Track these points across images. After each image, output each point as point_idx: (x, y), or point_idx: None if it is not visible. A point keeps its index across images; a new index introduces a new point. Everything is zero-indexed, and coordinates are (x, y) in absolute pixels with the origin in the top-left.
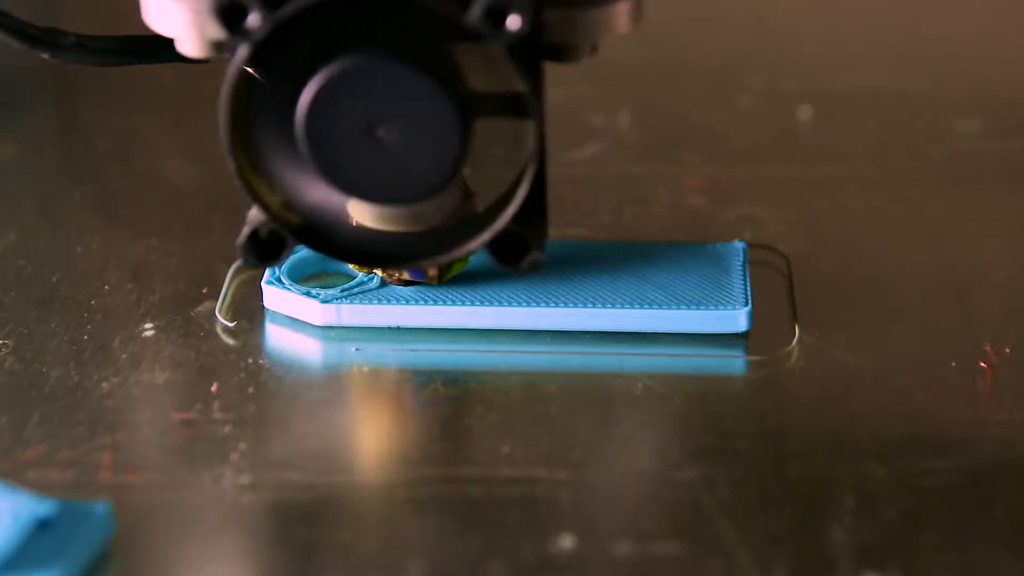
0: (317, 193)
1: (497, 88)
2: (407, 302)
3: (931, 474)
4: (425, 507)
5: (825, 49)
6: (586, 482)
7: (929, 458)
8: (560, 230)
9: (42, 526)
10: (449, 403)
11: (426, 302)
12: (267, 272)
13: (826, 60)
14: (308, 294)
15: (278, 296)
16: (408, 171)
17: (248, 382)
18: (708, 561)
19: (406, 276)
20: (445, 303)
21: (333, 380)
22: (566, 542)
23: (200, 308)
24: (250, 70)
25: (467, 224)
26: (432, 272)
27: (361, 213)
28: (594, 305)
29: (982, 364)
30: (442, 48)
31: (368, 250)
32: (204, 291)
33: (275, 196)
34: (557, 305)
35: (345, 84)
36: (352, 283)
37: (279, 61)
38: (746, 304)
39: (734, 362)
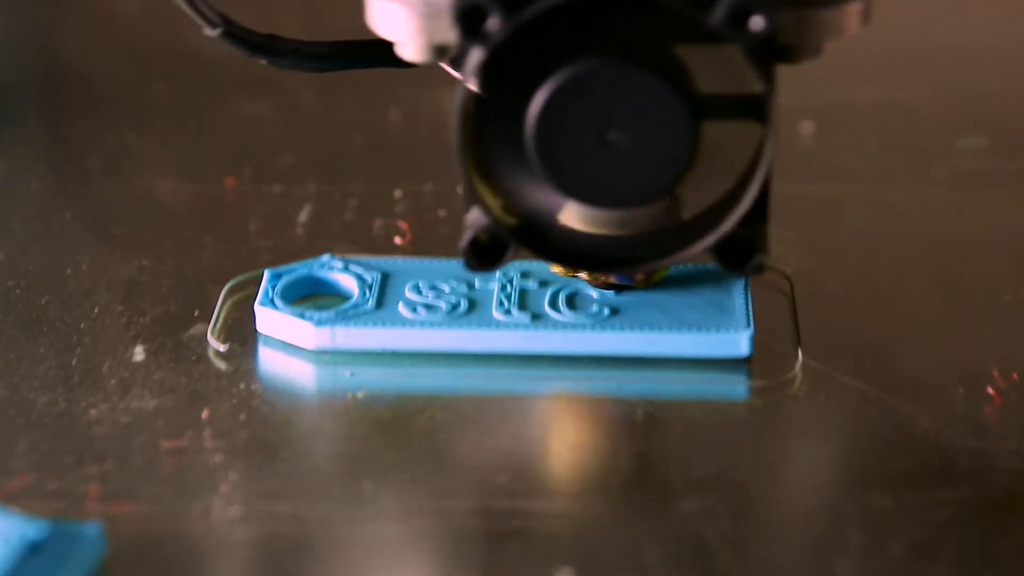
0: (536, 196)
1: (725, 90)
2: (403, 325)
3: (939, 506)
4: (420, 540)
5: (827, 63)
6: (585, 514)
7: (937, 489)
8: None
9: (33, 549)
10: (445, 430)
11: (422, 325)
12: (260, 294)
13: (828, 75)
14: (302, 316)
15: (271, 318)
16: (637, 174)
17: (240, 408)
18: None
19: (612, 279)
20: (441, 326)
21: (327, 407)
22: None
23: (192, 331)
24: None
25: (682, 228)
26: (639, 276)
27: (569, 216)
28: (592, 328)
29: (990, 390)
30: (671, 50)
31: (583, 252)
32: (196, 313)
33: (496, 199)
34: (555, 328)
35: (578, 88)
36: (347, 305)
37: (508, 65)
38: (748, 327)
39: (736, 387)
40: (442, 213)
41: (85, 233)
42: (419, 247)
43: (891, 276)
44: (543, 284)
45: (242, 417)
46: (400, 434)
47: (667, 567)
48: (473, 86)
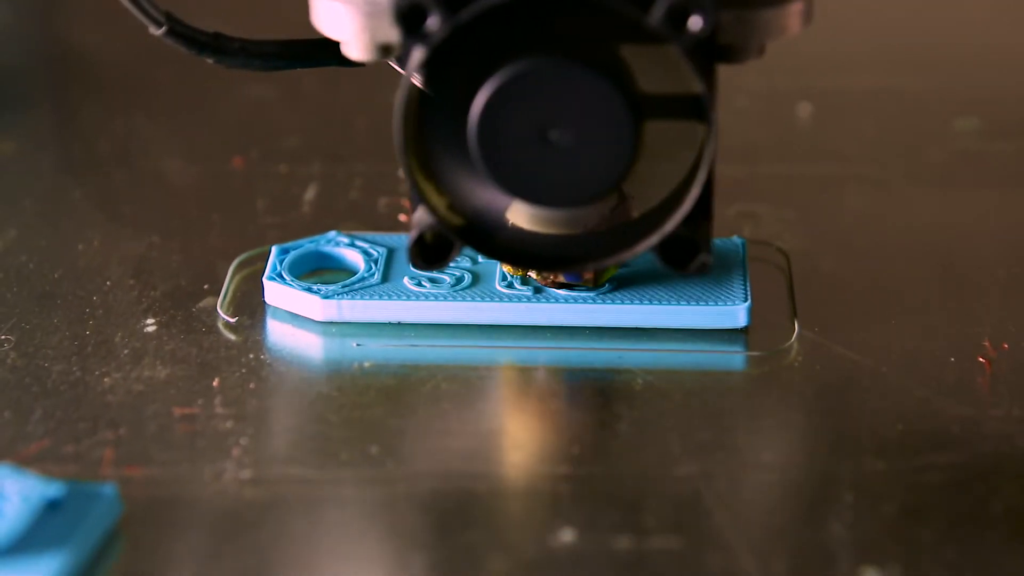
0: (481, 195)
1: (667, 90)
2: (408, 297)
3: (930, 469)
4: (426, 501)
5: (824, 47)
6: (586, 477)
7: (928, 454)
8: None
9: (51, 507)
10: (450, 398)
11: (427, 297)
12: (268, 268)
13: (825, 58)
14: (309, 290)
15: (279, 292)
16: (579, 173)
17: (249, 377)
18: (707, 556)
19: (561, 279)
20: (446, 298)
21: (334, 376)
22: (566, 536)
23: (201, 304)
24: (413, 76)
25: (629, 227)
26: (588, 275)
27: (517, 215)
28: (594, 301)
29: (981, 360)
30: (613, 50)
31: (529, 252)
32: (205, 287)
33: (441, 198)
34: (557, 301)
35: (519, 87)
36: (353, 279)
37: (450, 64)
38: (746, 300)
39: (734, 358)
40: None
41: (95, 211)
42: None
43: (886, 253)
44: None
45: (251, 386)
46: (405, 402)
47: (666, 528)
48: (416, 84)
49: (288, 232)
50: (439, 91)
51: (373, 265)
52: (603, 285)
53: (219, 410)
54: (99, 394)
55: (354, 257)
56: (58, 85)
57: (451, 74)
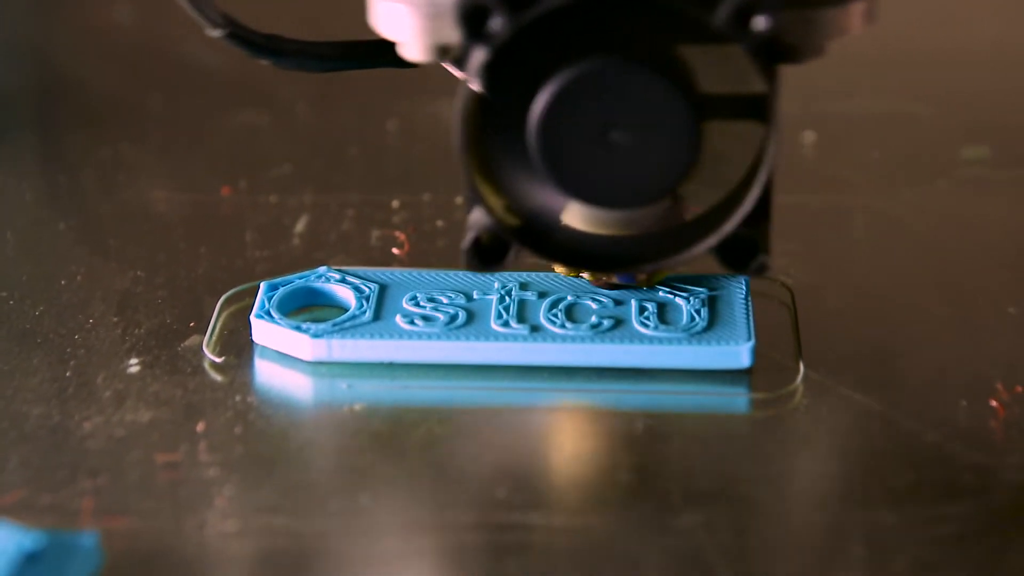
0: (537, 196)
1: (728, 90)
2: (400, 336)
3: (943, 521)
4: (418, 555)
5: (828, 73)
6: (584, 528)
7: (940, 504)
8: None
9: (29, 560)
10: (442, 442)
11: (420, 336)
12: (256, 306)
13: (829, 85)
14: (298, 328)
15: (267, 330)
16: (638, 174)
17: (236, 421)
18: None
19: (614, 279)
20: (440, 337)
21: (324, 419)
22: None
23: (187, 343)
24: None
25: (684, 228)
26: (642, 276)
27: (571, 216)
28: (592, 340)
29: (994, 403)
30: (674, 50)
31: (585, 252)
32: (191, 325)
33: (498, 199)
34: (554, 340)
35: (581, 88)
36: (344, 317)
37: (511, 65)
38: (749, 339)
39: (737, 400)
40: (440, 224)
41: (79, 244)
42: (417, 258)
43: (894, 287)
44: (542, 295)
45: (238, 430)
46: (397, 447)
47: None
48: (476, 86)
49: (277, 266)
50: (499, 92)
51: (364, 302)
52: (655, 285)
53: (203, 456)
54: (79, 440)
55: (345, 294)
56: (42, 113)
57: (511, 75)
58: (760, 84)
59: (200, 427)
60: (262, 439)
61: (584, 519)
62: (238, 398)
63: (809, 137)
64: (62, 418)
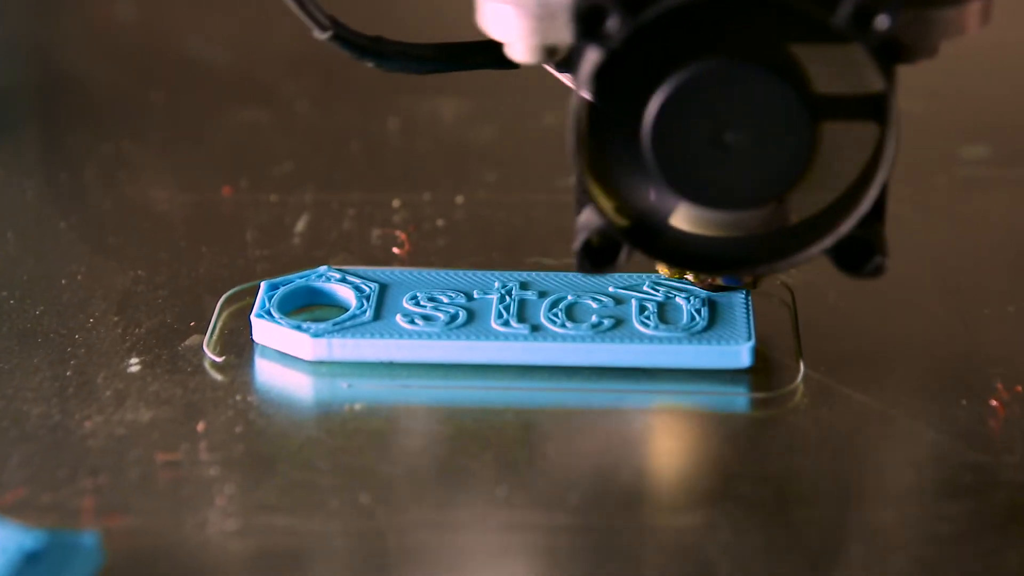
0: (647, 197)
1: (844, 90)
2: (400, 336)
3: (942, 520)
4: (418, 553)
5: None
6: (584, 528)
7: (940, 503)
8: (559, 259)
9: (30, 559)
10: (443, 442)
11: (420, 336)
12: (256, 305)
13: None
14: (299, 328)
15: (268, 330)
16: (754, 176)
17: (236, 420)
18: None
19: (719, 281)
20: (440, 337)
21: (324, 419)
22: None
23: (187, 342)
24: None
25: (791, 230)
26: (748, 278)
27: (678, 217)
28: (592, 340)
29: (993, 402)
30: (788, 50)
31: (693, 254)
32: (192, 324)
33: (608, 201)
34: (555, 340)
35: (695, 90)
36: (344, 316)
37: (624, 66)
38: (749, 339)
39: (737, 399)
40: (440, 223)
41: (80, 243)
42: (417, 257)
43: (893, 287)
44: (542, 295)
45: (238, 429)
46: (398, 446)
47: None
48: (585, 87)
49: (278, 264)
50: (611, 93)
51: (365, 302)
52: (758, 286)
53: (204, 456)
54: (80, 439)
55: (345, 293)
56: (43, 111)
57: (624, 76)
58: (877, 84)
59: (201, 426)
60: (262, 438)
61: (584, 518)
62: (238, 397)
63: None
64: (63, 417)
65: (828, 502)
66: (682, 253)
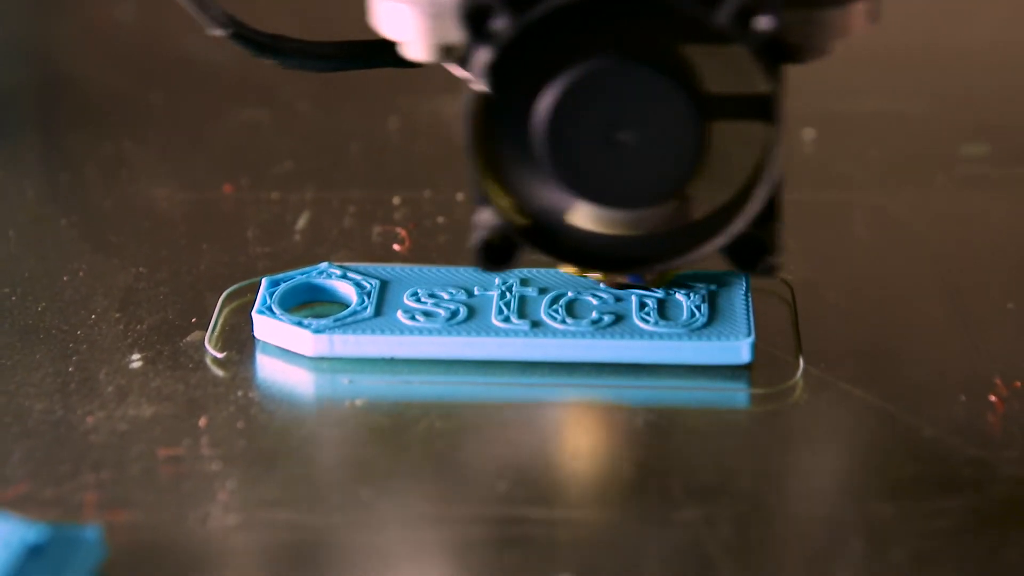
0: (544, 196)
1: (733, 90)
2: (401, 332)
3: (941, 514)
4: (419, 548)
5: (828, 72)
6: (585, 522)
7: (939, 498)
8: None
9: (33, 553)
10: (444, 438)
11: (421, 332)
12: (258, 301)
13: (829, 83)
14: (300, 324)
15: (269, 326)
16: (645, 174)
17: (238, 416)
18: None
19: (624, 279)
20: (441, 333)
21: (325, 414)
22: None
23: (189, 338)
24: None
25: (692, 228)
26: (651, 276)
27: (579, 216)
28: (593, 336)
29: (992, 398)
30: (679, 50)
31: (594, 252)
32: (193, 320)
33: (506, 199)
34: (555, 336)
35: (586, 88)
36: (345, 312)
37: (515, 65)
38: (749, 335)
39: (737, 395)
40: (441, 220)
41: (81, 241)
42: (418, 254)
43: (893, 284)
44: (542, 291)
45: (240, 425)
46: (398, 442)
47: None
48: (480, 86)
49: (279, 262)
50: (504, 92)
51: (366, 298)
52: (666, 284)
53: (205, 451)
54: (82, 434)
55: (346, 289)
56: (44, 110)
57: (516, 75)
58: (765, 84)
59: (202, 422)
60: (264, 434)
61: (585, 513)
62: (240, 393)
63: (809, 134)
64: (65, 413)
65: (827, 497)
66: (581, 252)
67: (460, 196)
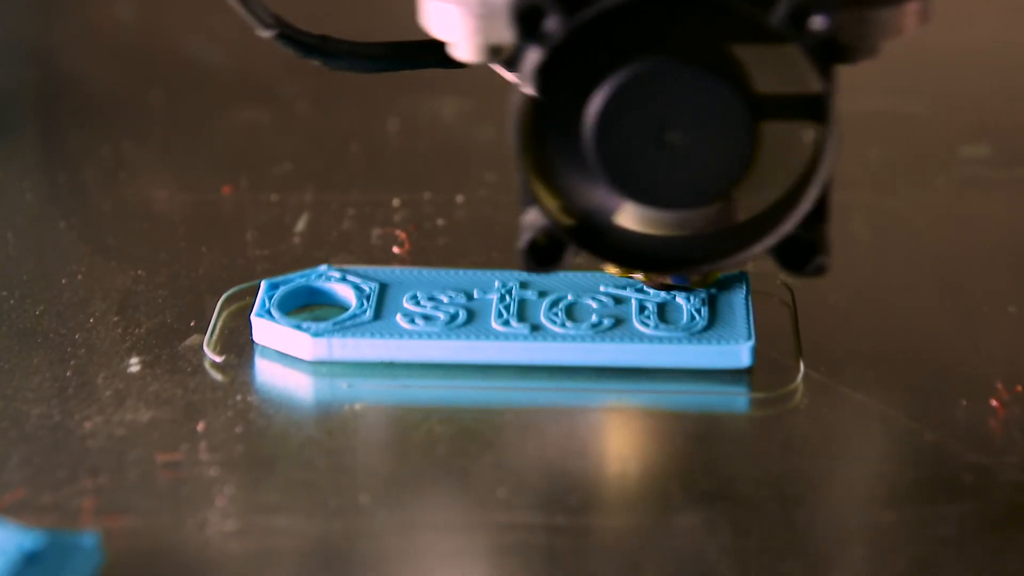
0: (591, 196)
1: (784, 90)
2: (401, 336)
3: (942, 520)
4: (418, 554)
5: None
6: (584, 528)
7: (940, 503)
8: None
9: (29, 559)
10: (443, 443)
11: (420, 336)
12: (257, 305)
13: None
14: (299, 327)
15: (268, 329)
16: (695, 175)
17: (236, 421)
18: None
19: (667, 280)
20: (440, 337)
21: (324, 419)
22: None
23: (187, 342)
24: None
25: (738, 229)
26: (696, 277)
27: (625, 216)
28: (592, 340)
29: (994, 402)
30: (729, 50)
31: (640, 253)
32: (192, 324)
33: (553, 200)
34: (554, 339)
35: (636, 89)
36: (344, 316)
37: (565, 65)
38: (749, 338)
39: (737, 399)
40: (441, 222)
41: (80, 243)
42: (417, 257)
43: (893, 287)
44: (542, 295)
45: (238, 429)
46: (398, 446)
47: None
48: (530, 87)
49: (278, 264)
50: (553, 92)
51: (365, 301)
52: (710, 285)
53: (204, 456)
54: (79, 439)
55: (345, 292)
56: (42, 111)
57: (565, 75)
58: (817, 84)
59: (200, 426)
60: (263, 438)
61: (585, 518)
62: (239, 397)
63: (808, 135)
64: (62, 417)
65: (828, 502)
66: (627, 252)
67: (460, 198)
